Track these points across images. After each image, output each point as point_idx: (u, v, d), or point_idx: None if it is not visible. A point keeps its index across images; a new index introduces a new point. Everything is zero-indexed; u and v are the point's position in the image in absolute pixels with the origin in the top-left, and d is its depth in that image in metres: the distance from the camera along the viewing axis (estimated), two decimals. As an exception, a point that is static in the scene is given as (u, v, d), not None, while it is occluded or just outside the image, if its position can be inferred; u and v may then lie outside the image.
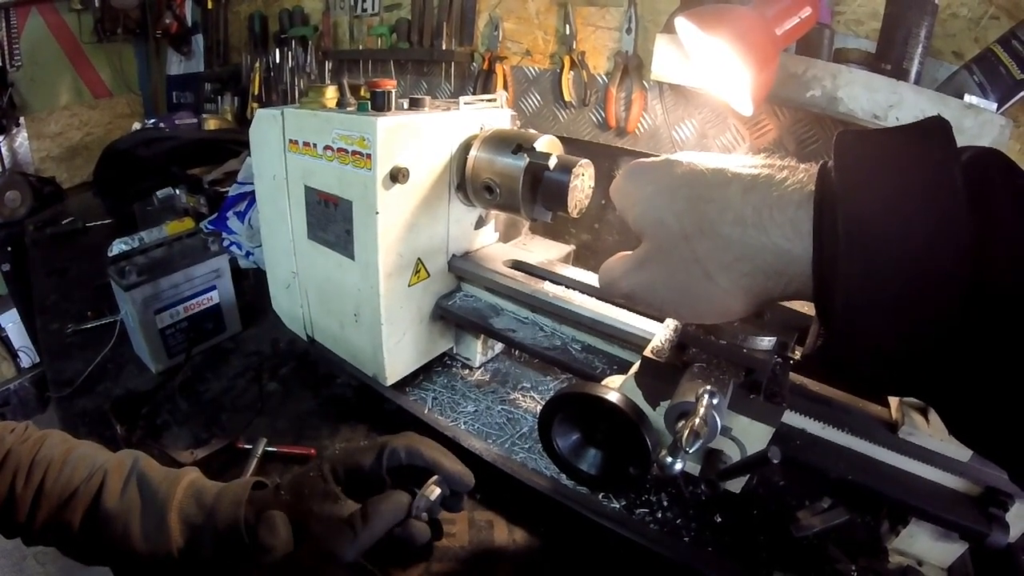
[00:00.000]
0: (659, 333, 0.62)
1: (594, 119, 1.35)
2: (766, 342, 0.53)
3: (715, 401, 0.50)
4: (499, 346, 1.04)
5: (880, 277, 0.30)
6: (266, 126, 0.90)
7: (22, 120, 2.44)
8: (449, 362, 1.03)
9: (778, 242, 0.36)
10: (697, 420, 0.48)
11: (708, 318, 0.45)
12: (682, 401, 0.52)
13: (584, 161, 0.80)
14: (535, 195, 0.81)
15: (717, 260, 0.39)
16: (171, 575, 0.60)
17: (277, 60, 1.97)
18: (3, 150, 2.38)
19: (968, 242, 0.28)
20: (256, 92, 2.09)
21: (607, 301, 0.78)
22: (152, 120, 2.38)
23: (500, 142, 0.83)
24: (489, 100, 0.92)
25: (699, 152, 0.44)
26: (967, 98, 0.88)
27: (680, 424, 0.52)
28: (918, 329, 0.30)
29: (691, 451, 0.48)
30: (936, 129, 0.32)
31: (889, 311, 0.31)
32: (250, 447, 0.85)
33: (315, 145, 0.82)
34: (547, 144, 0.82)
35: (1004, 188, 0.29)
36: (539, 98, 1.43)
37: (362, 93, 0.85)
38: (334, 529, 0.56)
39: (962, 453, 0.57)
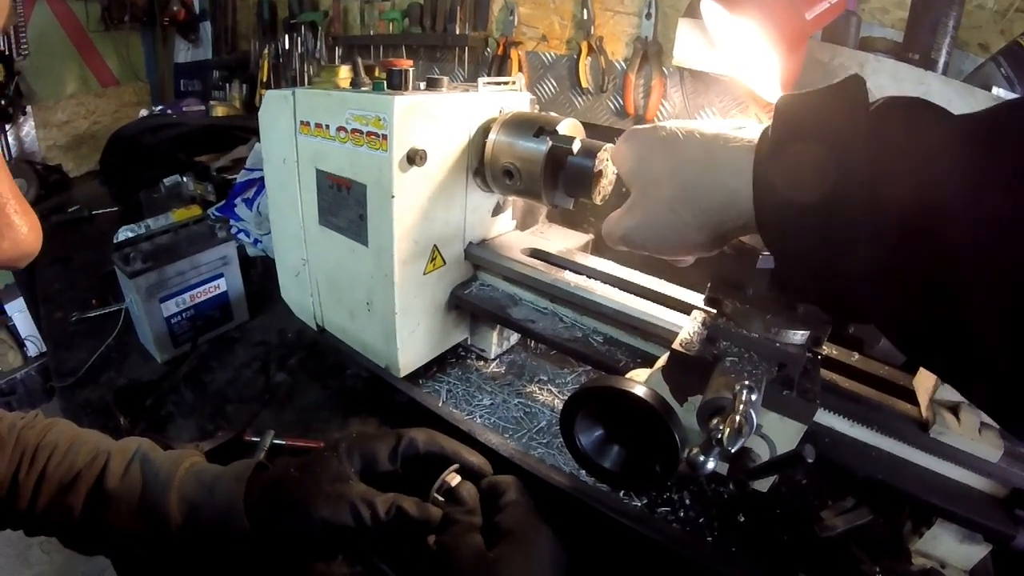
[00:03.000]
0: (687, 326, 0.59)
1: (612, 106, 1.32)
2: (799, 336, 0.51)
3: (753, 397, 0.48)
4: (515, 337, 1.02)
5: (801, 202, 0.37)
6: (276, 108, 0.87)
7: (29, 109, 2.42)
8: (463, 353, 1.01)
9: (726, 181, 0.44)
10: (738, 417, 0.45)
11: (679, 251, 0.52)
12: (718, 397, 0.49)
13: (608, 146, 0.77)
14: (556, 181, 0.78)
15: (686, 203, 0.47)
16: (169, 557, 0.59)
17: (286, 46, 1.95)
18: (10, 139, 2.37)
19: (865, 166, 0.34)
20: (265, 79, 2.07)
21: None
22: (159, 108, 2.36)
23: (521, 125, 0.80)
24: (508, 83, 0.88)
25: (683, 120, 0.52)
26: (995, 90, 0.87)
27: (715, 421, 0.50)
28: (835, 244, 0.36)
29: (733, 450, 0.45)
30: (852, 84, 0.38)
31: (812, 231, 0.37)
32: (257, 439, 0.83)
33: (327, 126, 0.79)
34: (570, 128, 0.79)
35: (898, 121, 0.35)
36: (555, 84, 1.40)
37: (377, 73, 0.82)
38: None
39: (992, 453, 0.56)
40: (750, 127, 0.46)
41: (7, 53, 2.21)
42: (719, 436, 0.48)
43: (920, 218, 0.32)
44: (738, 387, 0.47)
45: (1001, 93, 0.86)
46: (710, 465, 0.49)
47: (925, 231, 0.32)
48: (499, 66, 1.45)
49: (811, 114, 0.39)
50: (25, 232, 0.33)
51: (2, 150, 2.32)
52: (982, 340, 0.31)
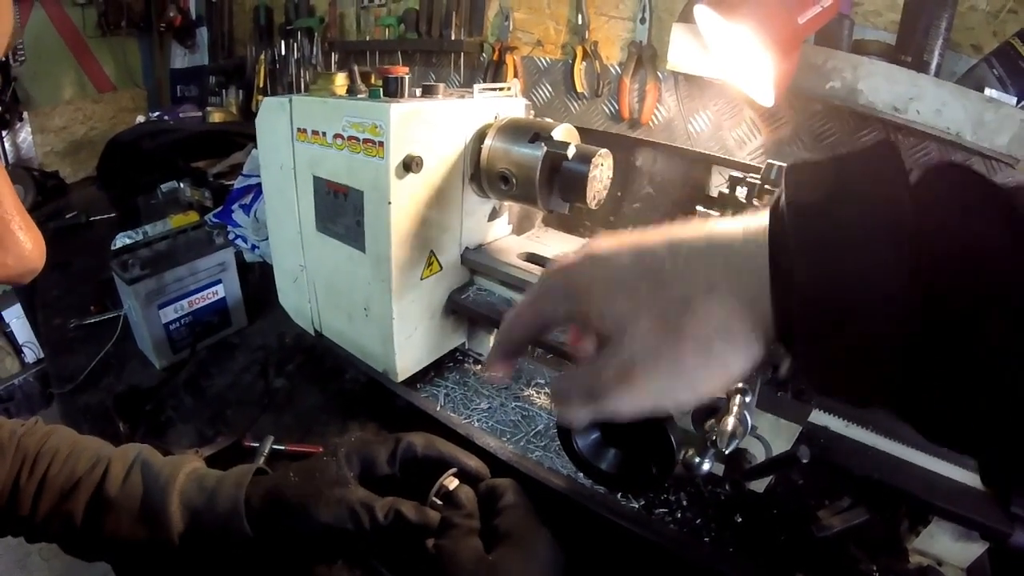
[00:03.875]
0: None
1: (607, 110, 1.33)
2: None
3: (747, 399, 0.48)
4: (512, 342, 1.01)
5: (834, 312, 0.30)
6: (273, 115, 0.87)
7: (25, 115, 2.41)
8: (461, 358, 1.01)
9: (757, 294, 0.34)
10: (732, 419, 0.46)
11: (716, 388, 0.38)
12: (712, 398, 0.50)
13: (603, 151, 0.78)
14: (552, 185, 0.79)
15: (702, 328, 0.35)
16: (171, 564, 0.59)
17: (282, 52, 1.95)
18: (6, 145, 2.36)
19: (912, 269, 0.28)
20: (261, 85, 2.07)
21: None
22: (156, 113, 2.36)
23: (516, 131, 0.81)
24: (503, 88, 0.89)
25: (610, 235, 0.40)
26: (987, 91, 0.87)
27: (710, 423, 0.50)
28: (868, 327, 0.29)
29: (727, 451, 0.46)
30: (886, 154, 0.31)
31: (846, 334, 0.30)
32: (256, 445, 0.83)
33: (324, 133, 0.79)
34: (565, 133, 0.79)
35: (950, 206, 0.29)
36: (550, 89, 1.40)
37: (373, 80, 0.82)
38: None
39: (987, 452, 0.56)
40: (724, 216, 0.38)
41: (3, 59, 2.20)
42: (714, 438, 0.48)
43: (972, 311, 0.27)
44: (732, 389, 0.48)
45: (994, 94, 0.87)
46: (706, 466, 0.50)
47: (974, 325, 0.27)
48: (495, 71, 1.45)
49: (836, 197, 0.31)
50: (30, 248, 0.33)
51: (2, 161, 2.31)
52: None
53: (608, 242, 0.39)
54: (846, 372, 0.31)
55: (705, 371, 0.36)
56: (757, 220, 0.34)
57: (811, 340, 0.31)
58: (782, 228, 0.32)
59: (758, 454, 0.57)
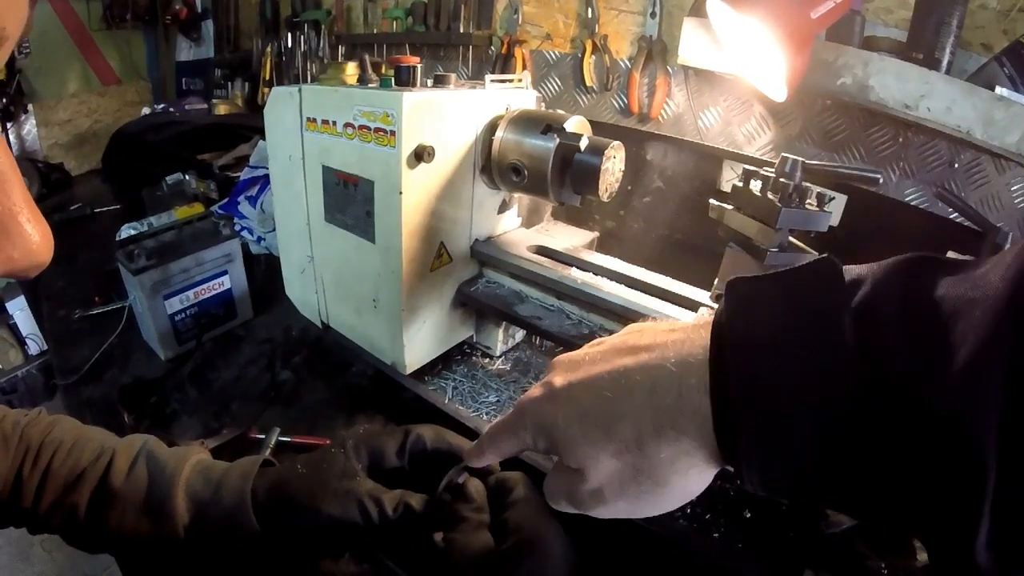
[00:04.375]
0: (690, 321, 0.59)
1: (616, 105, 1.32)
2: None
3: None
4: (520, 334, 1.01)
5: (777, 456, 0.32)
6: (282, 104, 0.87)
7: (30, 107, 2.41)
8: (468, 350, 1.00)
9: (695, 436, 0.36)
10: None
11: (678, 504, 0.42)
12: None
13: (616, 143, 0.77)
14: (564, 178, 0.78)
15: (656, 468, 0.39)
16: (176, 557, 0.58)
17: (289, 45, 1.94)
18: (11, 137, 2.36)
19: (852, 406, 0.30)
20: (267, 77, 2.06)
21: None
22: (161, 106, 2.36)
23: (528, 122, 0.80)
24: (514, 80, 0.88)
25: (585, 349, 0.45)
26: (998, 90, 0.87)
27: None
28: (823, 456, 0.31)
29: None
30: (827, 276, 0.34)
31: (791, 473, 0.33)
32: (262, 437, 0.82)
33: (334, 123, 0.79)
34: (577, 125, 0.79)
35: (895, 335, 0.30)
36: (559, 83, 1.40)
37: (383, 70, 0.82)
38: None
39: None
40: (678, 326, 0.40)
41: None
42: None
43: (918, 450, 0.29)
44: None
45: (1004, 93, 0.86)
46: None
47: (934, 463, 0.29)
48: (503, 65, 1.45)
49: (779, 330, 0.33)
50: (37, 241, 0.32)
51: (11, 151, 2.31)
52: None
53: (565, 376, 0.43)
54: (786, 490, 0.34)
55: (666, 499, 0.40)
56: (697, 347, 0.37)
57: (754, 474, 0.34)
58: (725, 375, 0.34)
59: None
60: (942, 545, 0.31)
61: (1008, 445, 0.26)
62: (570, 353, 0.47)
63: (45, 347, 2.23)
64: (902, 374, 0.29)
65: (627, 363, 0.40)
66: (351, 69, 0.84)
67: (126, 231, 1.36)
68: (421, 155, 0.72)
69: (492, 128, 0.82)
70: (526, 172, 0.78)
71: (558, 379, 0.44)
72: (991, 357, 0.27)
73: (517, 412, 0.47)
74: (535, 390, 0.46)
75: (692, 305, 0.75)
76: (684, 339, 0.38)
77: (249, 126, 1.84)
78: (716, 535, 0.69)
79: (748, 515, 0.72)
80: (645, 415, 0.38)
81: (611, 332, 0.79)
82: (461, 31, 1.51)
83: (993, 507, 0.27)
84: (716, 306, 0.57)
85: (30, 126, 2.44)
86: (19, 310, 2.25)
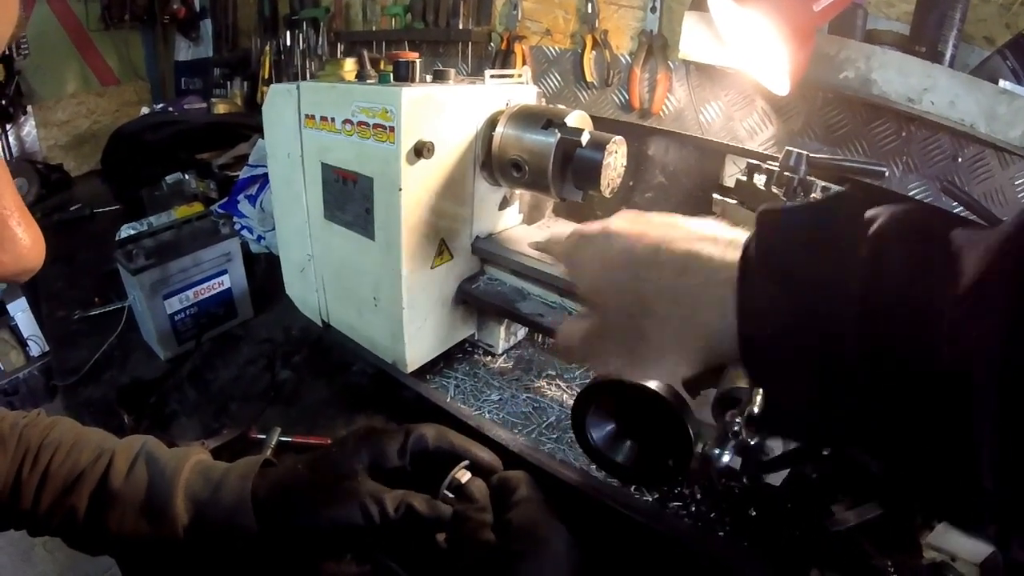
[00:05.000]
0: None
1: (617, 100, 1.31)
2: None
3: (772, 389, 0.47)
4: (522, 332, 1.01)
5: (792, 344, 0.34)
6: (281, 101, 0.86)
7: (29, 108, 2.41)
8: (470, 348, 1.00)
9: (709, 321, 0.39)
10: (756, 409, 0.45)
11: (654, 376, 0.49)
12: (733, 388, 0.48)
13: (617, 138, 0.76)
14: (565, 173, 0.78)
15: (659, 335, 0.42)
16: (176, 558, 0.58)
17: (288, 43, 1.93)
18: (10, 138, 2.35)
19: (859, 309, 0.32)
20: (266, 76, 2.05)
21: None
22: (160, 105, 2.35)
23: (529, 118, 0.79)
24: (514, 75, 0.88)
25: (637, 216, 0.47)
26: (1001, 83, 0.86)
27: (730, 414, 0.49)
28: (827, 385, 0.34)
29: (753, 442, 0.44)
30: (845, 204, 0.36)
31: (802, 375, 0.34)
32: (263, 437, 0.82)
33: (333, 119, 0.78)
34: (578, 120, 0.78)
35: (900, 257, 0.32)
36: (559, 79, 1.39)
37: (382, 66, 0.81)
38: None
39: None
40: (721, 238, 0.41)
41: (7, 53, 2.19)
42: (735, 428, 0.47)
43: (931, 369, 0.30)
44: (756, 379, 0.46)
45: (1008, 86, 0.85)
46: (725, 459, 0.48)
47: (927, 375, 0.30)
48: (503, 61, 1.44)
49: (799, 245, 0.35)
50: (28, 245, 0.32)
51: (4, 152, 2.31)
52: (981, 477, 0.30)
53: (622, 222, 0.47)
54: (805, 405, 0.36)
55: (655, 368, 0.46)
56: (731, 253, 0.39)
57: (772, 381, 0.37)
58: (752, 285, 0.36)
59: (775, 446, 0.56)
60: (947, 472, 0.32)
61: (1010, 364, 0.27)
62: (628, 214, 0.48)
63: (47, 348, 2.23)
64: (907, 295, 0.31)
65: (672, 234, 0.43)
66: (349, 65, 0.84)
67: (125, 231, 1.35)
68: (421, 151, 0.71)
69: (492, 124, 0.81)
70: (527, 167, 0.78)
71: (614, 224, 0.47)
72: (993, 281, 0.28)
73: (574, 235, 0.51)
74: (593, 224, 0.50)
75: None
76: (720, 253, 0.40)
77: (248, 125, 1.84)
78: (721, 534, 0.69)
79: (753, 513, 0.71)
80: (667, 290, 0.41)
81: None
82: (460, 27, 1.50)
83: (996, 426, 0.27)
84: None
85: (29, 127, 2.44)
86: (20, 311, 2.25)
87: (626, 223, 0.46)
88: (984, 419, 0.28)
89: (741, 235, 0.40)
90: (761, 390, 0.40)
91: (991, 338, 0.27)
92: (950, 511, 0.38)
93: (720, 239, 0.41)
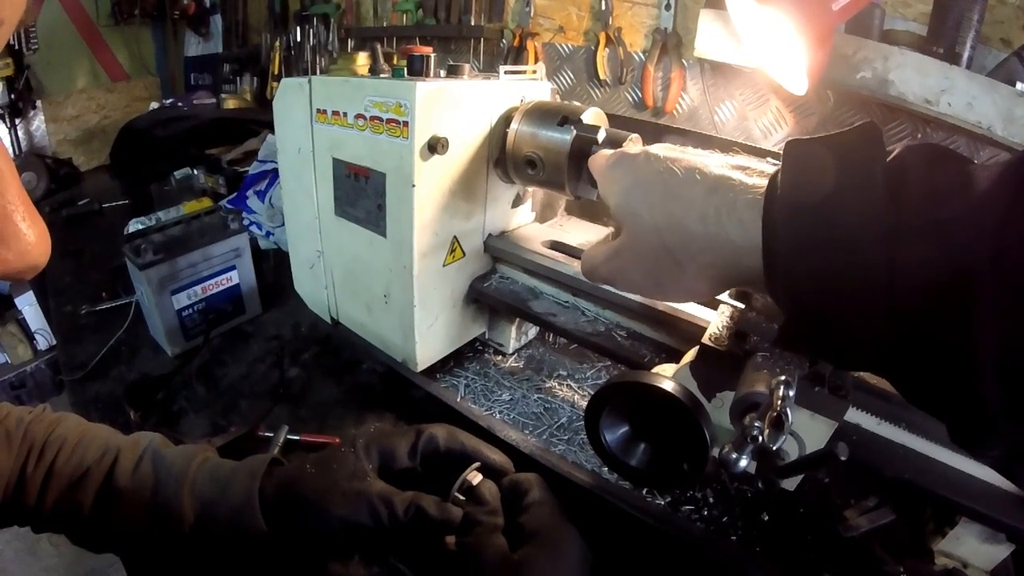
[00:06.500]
0: (715, 320, 0.57)
1: (630, 98, 1.30)
2: None
3: (791, 393, 0.46)
4: (533, 332, 1.00)
5: (814, 265, 0.36)
6: (292, 96, 0.85)
7: (39, 103, 2.41)
8: (481, 348, 0.99)
9: (733, 238, 0.41)
10: (776, 414, 0.44)
11: (679, 299, 0.54)
12: (753, 392, 0.48)
13: (634, 135, 0.75)
14: (581, 171, 0.76)
15: (684, 250, 0.45)
16: (182, 557, 0.57)
17: (298, 39, 1.94)
18: (20, 133, 2.36)
19: (882, 231, 0.33)
20: (276, 72, 2.06)
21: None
22: (169, 100, 2.35)
23: (544, 114, 0.78)
24: (529, 71, 0.86)
25: (675, 147, 0.50)
26: (1019, 85, 0.86)
27: (748, 418, 0.48)
28: (850, 302, 0.35)
29: (774, 447, 0.44)
30: (868, 134, 0.37)
31: (825, 291, 0.36)
32: (271, 435, 0.81)
33: (345, 114, 0.77)
34: (594, 117, 0.77)
35: (916, 183, 0.34)
36: (572, 76, 1.38)
37: (395, 60, 0.80)
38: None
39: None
40: (753, 168, 0.43)
41: (17, 48, 2.19)
42: (754, 433, 0.46)
43: (940, 281, 0.31)
44: (774, 382, 0.45)
45: (1025, 89, 0.85)
46: (743, 463, 0.47)
47: (942, 295, 0.31)
48: (515, 58, 1.43)
49: (823, 169, 0.37)
50: (33, 242, 0.31)
51: (13, 147, 2.31)
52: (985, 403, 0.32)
53: (663, 149, 0.50)
54: (833, 341, 0.38)
55: (677, 288, 0.48)
56: (759, 180, 0.41)
57: (800, 312, 0.39)
58: (775, 216, 0.38)
59: (791, 451, 0.55)
60: (949, 384, 0.33)
61: (1003, 273, 0.29)
62: (668, 143, 0.52)
63: (54, 342, 2.24)
64: (926, 212, 0.33)
65: (708, 162, 0.45)
66: (362, 59, 0.82)
67: (133, 226, 1.35)
68: (435, 147, 0.70)
69: (507, 120, 0.80)
70: (542, 165, 0.76)
71: (655, 147, 0.50)
72: (993, 201, 0.30)
73: (613, 153, 0.54)
74: (635, 146, 0.54)
75: (712, 303, 0.73)
76: (750, 179, 0.42)
77: (258, 120, 1.84)
78: (734, 538, 0.68)
79: (766, 518, 0.71)
80: (696, 205, 0.43)
81: (628, 330, 0.78)
82: (472, 24, 1.49)
83: (995, 336, 0.29)
84: (738, 304, 0.57)
85: (39, 122, 2.44)
86: (28, 305, 2.25)
87: (666, 150, 0.49)
88: (983, 318, 0.30)
89: (771, 168, 0.43)
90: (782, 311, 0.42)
91: (990, 235, 0.29)
92: (958, 430, 0.38)
93: (752, 169, 0.43)
